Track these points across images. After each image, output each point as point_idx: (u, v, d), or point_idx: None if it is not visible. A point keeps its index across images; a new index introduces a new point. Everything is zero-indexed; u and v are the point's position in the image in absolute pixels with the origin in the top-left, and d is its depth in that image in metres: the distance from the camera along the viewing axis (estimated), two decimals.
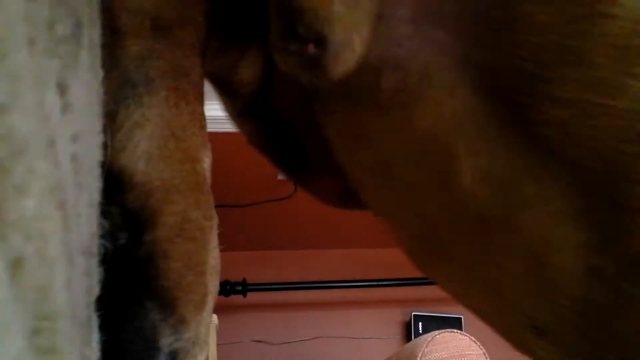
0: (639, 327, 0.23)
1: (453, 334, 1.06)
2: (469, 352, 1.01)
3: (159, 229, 0.24)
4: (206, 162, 0.29)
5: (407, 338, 2.06)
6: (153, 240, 0.24)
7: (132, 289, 0.24)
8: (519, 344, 0.28)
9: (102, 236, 0.21)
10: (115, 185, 0.24)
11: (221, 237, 0.30)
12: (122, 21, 0.25)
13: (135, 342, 0.23)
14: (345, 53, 0.24)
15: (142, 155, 0.24)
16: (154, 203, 0.24)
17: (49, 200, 0.14)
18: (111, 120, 0.24)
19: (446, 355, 1.00)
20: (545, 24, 0.22)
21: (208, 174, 0.29)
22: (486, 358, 1.02)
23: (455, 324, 1.98)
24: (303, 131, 0.36)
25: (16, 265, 0.13)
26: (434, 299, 2.03)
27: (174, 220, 0.25)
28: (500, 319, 0.29)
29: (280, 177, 1.82)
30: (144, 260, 0.24)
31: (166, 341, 0.24)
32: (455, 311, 2.02)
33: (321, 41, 0.24)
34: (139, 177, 0.24)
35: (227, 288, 1.86)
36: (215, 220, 0.29)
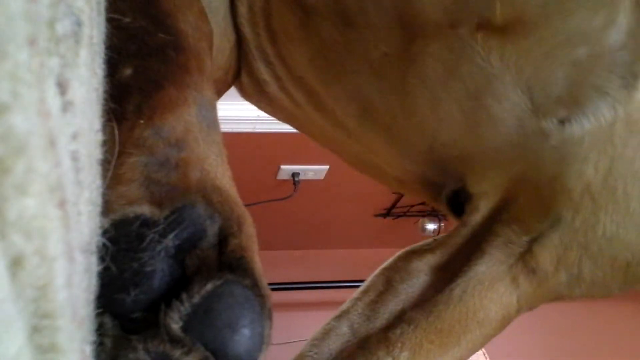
0: None
1: None
2: None
3: (243, 235, 0.28)
4: None
5: None
6: (240, 244, 0.27)
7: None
8: None
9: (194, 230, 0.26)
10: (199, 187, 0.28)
11: None
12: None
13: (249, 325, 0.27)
14: None
15: (217, 166, 0.30)
16: (238, 210, 0.28)
17: (50, 199, 0.14)
18: (191, 135, 0.29)
19: None
20: None
21: None
22: (486, 358, 1.02)
23: None
24: None
25: (16, 263, 0.13)
26: None
27: (252, 230, 0.29)
28: None
29: (280, 177, 1.81)
30: (236, 260, 0.27)
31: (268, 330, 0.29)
32: None
33: None
34: (218, 182, 0.29)
35: None
36: None
